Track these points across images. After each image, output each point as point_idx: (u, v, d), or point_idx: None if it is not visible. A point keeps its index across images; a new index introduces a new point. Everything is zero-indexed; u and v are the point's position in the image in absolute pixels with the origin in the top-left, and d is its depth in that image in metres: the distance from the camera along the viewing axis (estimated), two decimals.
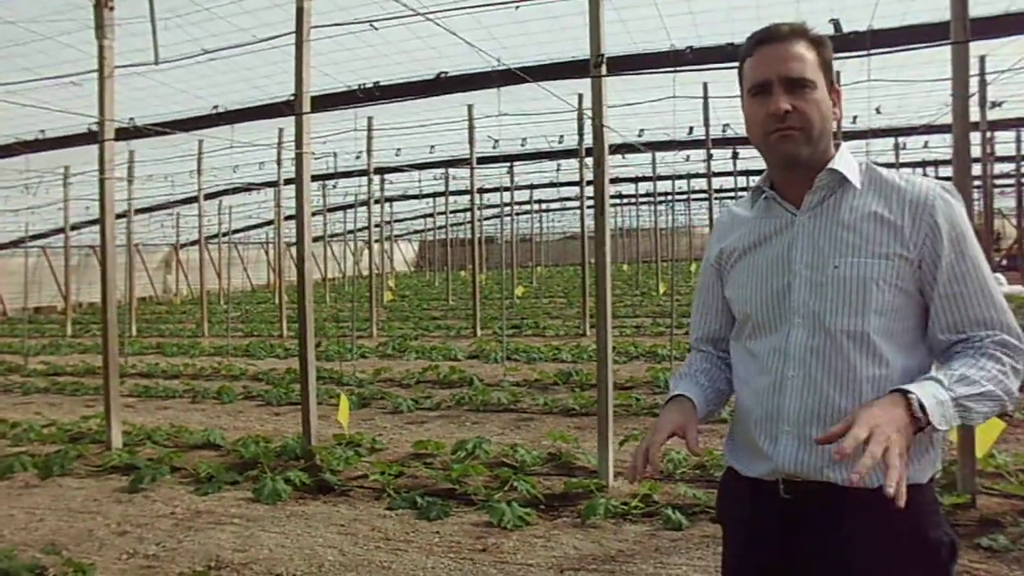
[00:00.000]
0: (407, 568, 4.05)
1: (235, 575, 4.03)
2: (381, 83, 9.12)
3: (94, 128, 7.48)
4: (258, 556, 4.26)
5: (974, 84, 4.78)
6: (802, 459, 1.58)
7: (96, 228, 6.95)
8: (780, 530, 1.62)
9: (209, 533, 4.64)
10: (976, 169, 14.67)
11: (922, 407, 1.39)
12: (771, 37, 1.62)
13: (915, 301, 1.58)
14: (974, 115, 4.77)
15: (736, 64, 1.72)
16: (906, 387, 1.44)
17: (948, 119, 4.78)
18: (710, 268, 1.85)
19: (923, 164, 21.61)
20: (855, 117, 13.57)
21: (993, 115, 11.90)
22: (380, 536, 4.53)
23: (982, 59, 10.10)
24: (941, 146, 18.03)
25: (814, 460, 1.56)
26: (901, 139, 17.96)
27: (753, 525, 1.69)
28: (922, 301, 1.59)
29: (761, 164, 1.69)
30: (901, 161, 19.17)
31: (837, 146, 1.67)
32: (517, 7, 5.92)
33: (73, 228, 19.42)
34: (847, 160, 1.64)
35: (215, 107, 10.35)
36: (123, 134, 8.71)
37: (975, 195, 17.42)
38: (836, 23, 7.15)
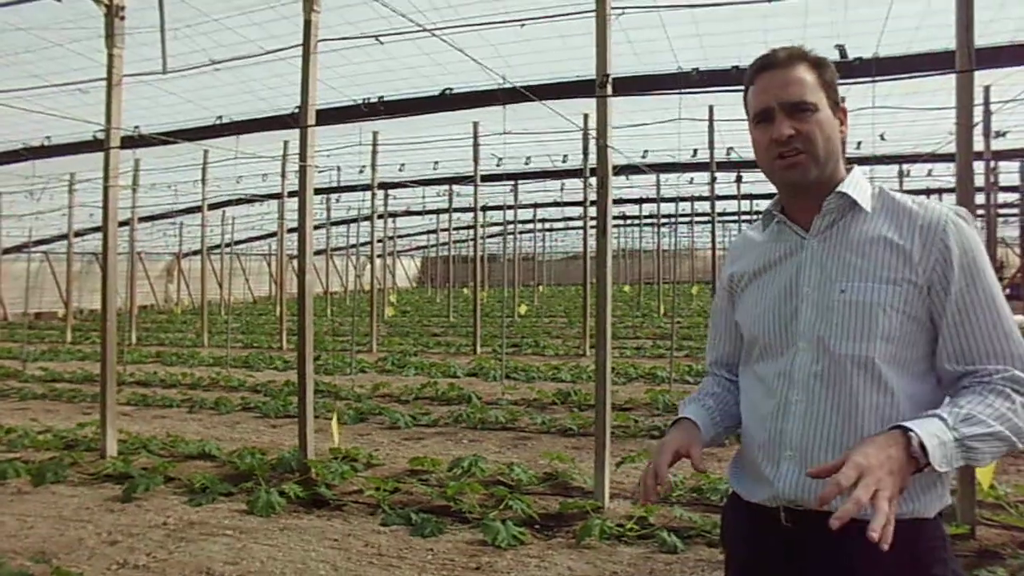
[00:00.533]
0: None
1: None
2: (385, 98, 9.15)
3: (100, 136, 7.50)
4: (250, 569, 4.22)
5: (978, 113, 4.77)
6: (803, 486, 1.55)
7: (100, 235, 6.96)
8: (782, 559, 1.59)
9: (201, 544, 4.60)
10: (980, 198, 14.67)
11: (922, 447, 1.35)
12: (770, 64, 1.62)
13: (926, 329, 1.54)
14: (978, 144, 4.76)
15: (742, 87, 1.72)
16: (908, 424, 1.39)
17: (952, 148, 4.77)
18: (723, 292, 1.85)
19: (927, 192, 21.60)
20: (859, 143, 13.60)
21: (997, 145, 11.92)
22: (373, 552, 4.49)
23: (987, 89, 10.13)
24: (945, 175, 18.06)
25: (816, 488, 1.52)
26: (905, 166, 17.99)
27: (755, 552, 1.67)
28: (934, 329, 1.55)
29: (765, 187, 1.69)
30: (904, 189, 19.19)
31: (849, 169, 1.65)
32: (523, 24, 5.94)
33: (77, 235, 19.46)
34: (858, 183, 1.62)
35: (219, 117, 10.39)
36: (129, 142, 8.74)
37: (978, 224, 17.40)
38: (842, 49, 7.17)
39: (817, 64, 1.62)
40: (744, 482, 1.71)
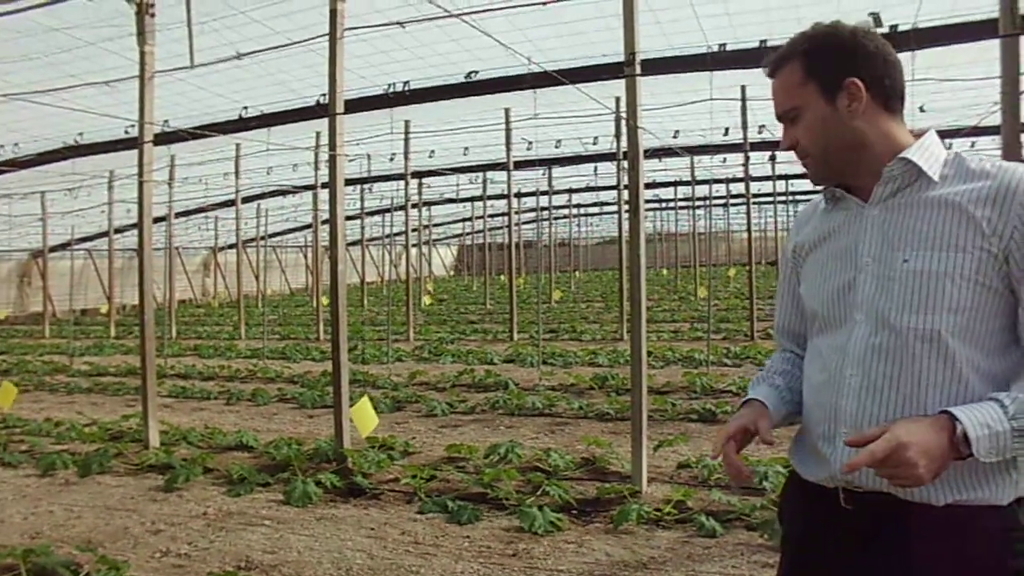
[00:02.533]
0: (436, 573, 4.01)
1: None
2: (411, 85, 9.12)
3: (131, 131, 7.59)
4: (287, 558, 4.25)
5: None
6: None
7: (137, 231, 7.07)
8: (839, 542, 1.52)
9: (240, 534, 4.65)
10: None
11: (965, 437, 1.29)
12: (768, 73, 1.62)
13: (1005, 300, 1.43)
14: None
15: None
16: (955, 411, 1.33)
17: (997, 119, 4.62)
18: (788, 262, 1.80)
19: None
20: None
21: None
22: (410, 540, 4.49)
23: None
24: (989, 148, 17.57)
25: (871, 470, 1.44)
26: (946, 140, 17.54)
27: (811, 534, 1.61)
28: (1016, 300, 1.44)
29: (800, 167, 1.66)
30: None
31: (921, 133, 1.55)
32: (545, 3, 5.85)
33: (117, 231, 19.79)
34: (927, 149, 1.52)
35: (244, 108, 10.44)
36: (161, 138, 8.83)
37: None
38: (876, 16, 6.94)
39: (807, 53, 1.54)
40: (803, 460, 1.64)
